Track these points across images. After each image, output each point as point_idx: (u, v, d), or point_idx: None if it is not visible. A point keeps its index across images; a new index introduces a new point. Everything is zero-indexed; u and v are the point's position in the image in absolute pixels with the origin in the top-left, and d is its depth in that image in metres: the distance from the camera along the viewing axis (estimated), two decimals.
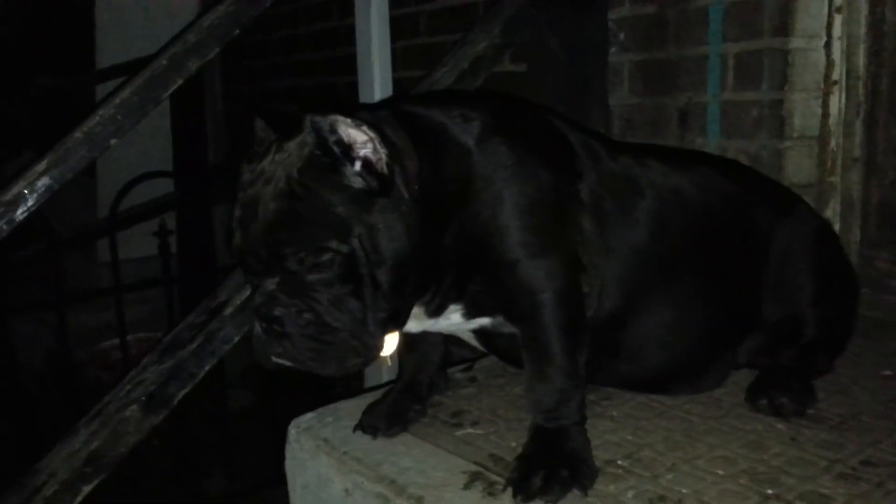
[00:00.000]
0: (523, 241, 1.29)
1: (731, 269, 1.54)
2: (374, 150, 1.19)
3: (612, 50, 2.44)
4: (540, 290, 1.29)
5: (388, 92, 3.19)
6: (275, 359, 1.23)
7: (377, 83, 3.22)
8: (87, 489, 1.68)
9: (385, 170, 1.19)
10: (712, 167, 1.62)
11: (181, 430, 3.24)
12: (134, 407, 1.72)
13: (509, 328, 1.37)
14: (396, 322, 1.27)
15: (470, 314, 1.37)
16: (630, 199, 1.44)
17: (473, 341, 1.51)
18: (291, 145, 1.22)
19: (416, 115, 1.34)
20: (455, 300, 1.34)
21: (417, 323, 1.37)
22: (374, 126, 1.20)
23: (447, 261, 1.29)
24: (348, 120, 1.17)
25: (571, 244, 1.35)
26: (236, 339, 1.82)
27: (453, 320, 1.38)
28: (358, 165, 1.18)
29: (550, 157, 1.39)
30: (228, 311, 1.83)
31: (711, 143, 2.25)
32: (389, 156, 1.20)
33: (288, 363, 1.23)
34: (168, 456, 3.37)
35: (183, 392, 1.77)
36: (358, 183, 1.18)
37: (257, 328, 1.23)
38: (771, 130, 2.12)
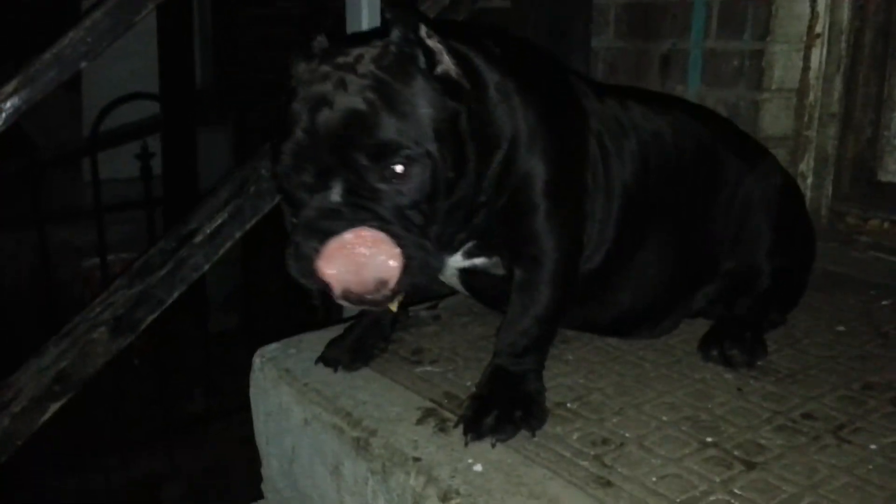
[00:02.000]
0: (550, 186, 1.29)
1: (699, 215, 1.56)
2: (451, 62, 1.16)
3: None
4: (552, 236, 1.30)
5: (376, 14, 3.15)
6: (327, 279, 1.09)
7: (365, 9, 3.18)
8: (54, 406, 1.72)
9: (461, 81, 1.16)
10: (688, 113, 1.62)
11: (163, 351, 3.30)
12: (102, 329, 1.75)
13: (500, 270, 1.38)
14: (448, 248, 1.24)
15: (472, 253, 1.38)
16: (619, 138, 1.45)
17: (453, 279, 1.51)
18: (367, 47, 1.15)
19: (473, 44, 1.29)
20: (472, 238, 1.34)
21: None
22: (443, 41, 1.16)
23: (485, 201, 1.28)
24: (428, 27, 1.14)
25: (585, 190, 1.37)
26: (206, 266, 1.84)
27: (453, 258, 1.38)
28: (440, 70, 1.15)
29: (571, 97, 1.40)
30: (199, 238, 1.84)
31: (691, 90, 2.25)
32: (459, 71, 1.17)
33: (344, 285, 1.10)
34: (150, 376, 3.43)
35: (151, 317, 1.80)
36: (439, 89, 1.14)
37: (304, 246, 1.10)
38: (750, 81, 2.12)
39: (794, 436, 1.25)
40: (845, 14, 2.10)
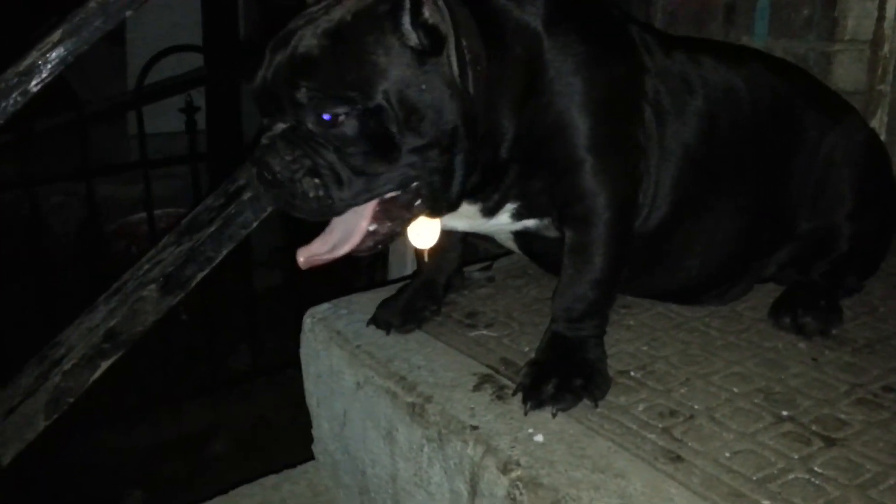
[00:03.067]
0: (594, 138, 1.22)
1: (775, 173, 1.46)
2: (436, 10, 1.11)
3: None
4: (600, 194, 1.23)
5: None
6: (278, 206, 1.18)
7: None
8: (105, 364, 1.71)
9: (442, 30, 1.12)
10: (766, 66, 1.52)
11: (209, 307, 3.29)
12: (151, 287, 1.72)
13: (553, 232, 1.32)
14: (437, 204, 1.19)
15: (521, 215, 1.32)
16: (683, 96, 1.36)
17: (510, 243, 1.46)
18: None
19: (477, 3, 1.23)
20: (514, 199, 1.29)
21: (468, 222, 1.33)
22: None
23: (513, 156, 1.23)
24: None
25: (637, 147, 1.29)
26: (254, 224, 1.80)
27: (501, 220, 1.33)
28: (418, 19, 1.10)
29: (618, 46, 1.31)
30: (247, 195, 1.80)
31: (758, 41, 2.13)
32: (449, 25, 1.13)
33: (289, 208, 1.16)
34: (196, 331, 3.44)
35: (201, 274, 1.77)
36: (412, 38, 1.10)
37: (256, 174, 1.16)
38: (821, 31, 2.00)
39: (875, 410, 1.18)
40: None
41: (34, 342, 1.80)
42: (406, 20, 1.11)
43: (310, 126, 1.11)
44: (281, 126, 1.13)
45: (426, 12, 1.11)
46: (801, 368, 1.29)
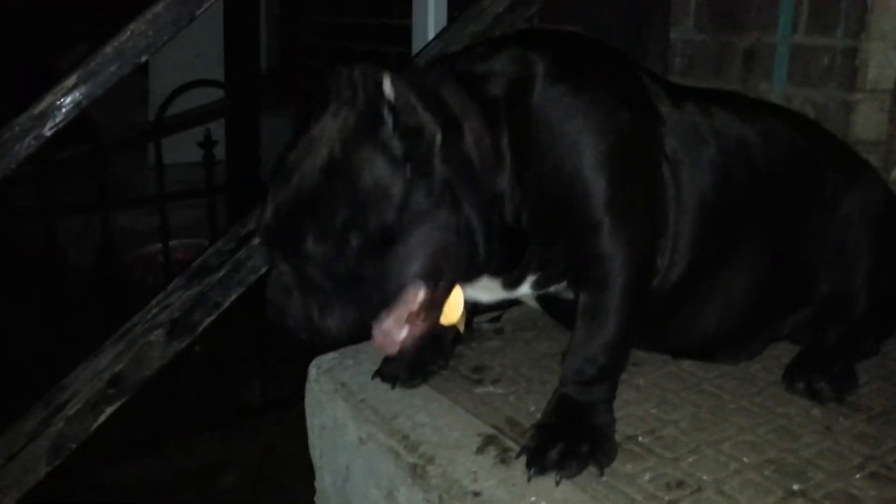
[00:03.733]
0: (607, 197, 1.19)
1: (792, 230, 1.43)
2: (418, 112, 1.10)
3: None
4: (617, 256, 1.20)
5: (443, 7, 3.07)
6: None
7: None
8: (109, 410, 1.70)
9: (427, 136, 1.10)
10: (782, 120, 1.49)
11: (221, 340, 3.29)
12: (159, 331, 1.71)
13: (570, 294, 1.30)
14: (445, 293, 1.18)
15: (541, 284, 1.30)
16: (697, 147, 1.33)
17: (532, 302, 1.45)
18: (341, 110, 1.12)
19: (472, 71, 1.23)
20: (534, 271, 1.27)
21: (489, 294, 1.31)
22: (420, 88, 1.11)
23: (526, 224, 1.21)
24: (396, 76, 1.08)
25: (656, 200, 1.26)
26: (263, 269, 1.79)
27: (523, 290, 1.31)
28: (401, 126, 1.09)
29: (626, 96, 1.28)
30: (257, 239, 1.79)
31: (777, 88, 2.11)
32: (435, 122, 1.11)
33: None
34: (208, 364, 3.44)
35: (209, 319, 1.76)
36: (398, 149, 1.08)
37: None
38: (842, 80, 1.97)
39: (889, 485, 1.14)
40: None
41: (49, 373, 1.80)
42: (388, 131, 1.09)
43: (316, 266, 1.10)
44: (288, 268, 1.13)
45: (408, 120, 1.09)
46: (813, 437, 1.26)
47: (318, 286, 1.11)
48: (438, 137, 1.11)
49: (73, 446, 1.65)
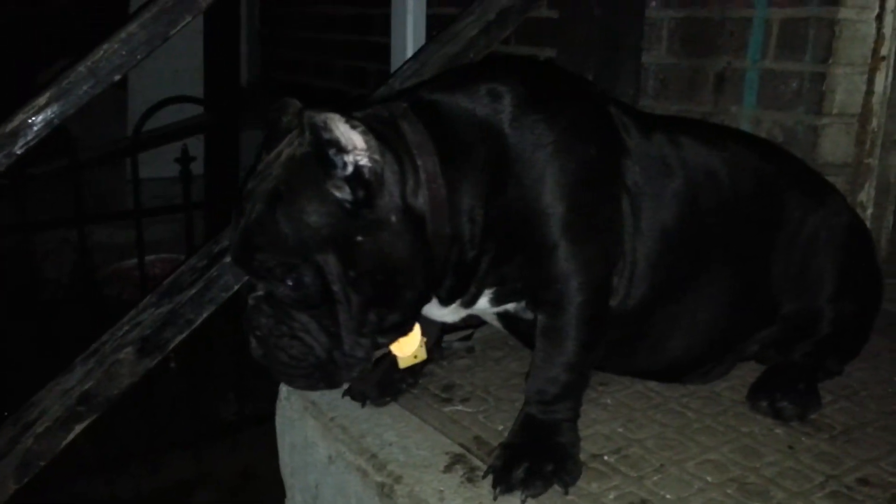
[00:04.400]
0: (566, 224, 1.22)
1: (757, 254, 1.46)
2: (368, 156, 1.13)
3: (652, 4, 2.32)
4: (572, 278, 1.23)
5: (422, 27, 3.09)
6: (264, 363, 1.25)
7: (410, 17, 3.13)
8: (79, 427, 1.69)
9: (374, 179, 1.13)
10: (748, 148, 1.53)
11: (196, 355, 3.28)
12: (129, 349, 1.71)
13: (530, 314, 1.32)
14: (396, 332, 1.26)
15: (499, 300, 1.32)
16: (662, 179, 1.36)
17: (496, 322, 1.46)
18: (290, 146, 1.19)
19: (437, 104, 1.25)
20: (490, 285, 1.29)
21: (452, 312, 1.34)
22: (371, 128, 1.14)
23: (484, 249, 1.24)
24: (344, 119, 1.11)
25: (612, 230, 1.29)
26: (236, 287, 1.79)
27: (481, 306, 1.34)
28: (349, 170, 1.12)
29: (592, 130, 1.31)
30: (229, 257, 1.79)
31: (747, 112, 2.15)
32: (390, 159, 1.15)
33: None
34: (183, 381, 3.42)
35: (179, 337, 1.76)
36: (345, 192, 1.13)
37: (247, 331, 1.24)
38: (810, 105, 2.01)
39: None
40: None
41: (26, 388, 1.79)
42: (337, 174, 1.12)
43: (276, 292, 1.18)
44: (260, 291, 1.21)
45: (358, 160, 1.12)
46: (776, 457, 1.28)
47: (280, 313, 1.19)
48: (393, 177, 1.15)
49: (42, 464, 1.64)
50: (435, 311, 1.32)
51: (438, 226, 1.18)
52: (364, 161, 1.12)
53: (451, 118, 1.23)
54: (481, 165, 1.21)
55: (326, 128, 1.10)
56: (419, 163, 1.17)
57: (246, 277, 1.79)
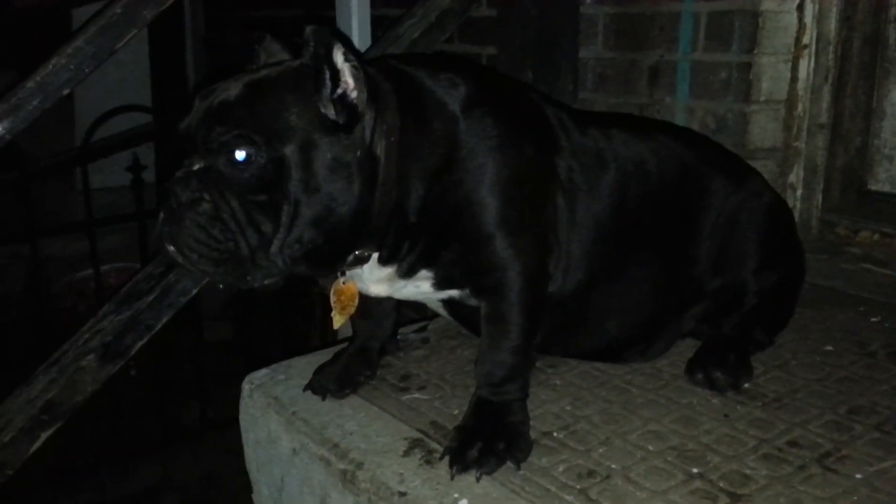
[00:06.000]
0: (501, 216, 1.29)
1: (684, 236, 1.56)
2: (356, 87, 1.20)
3: (588, 1, 2.40)
4: (510, 267, 1.30)
5: (367, 29, 3.14)
6: (165, 244, 1.19)
7: (355, 19, 3.18)
8: (44, 436, 1.72)
9: (359, 108, 1.20)
10: (673, 138, 1.62)
11: (159, 362, 3.29)
12: (91, 357, 1.74)
13: (474, 301, 1.39)
14: (317, 265, 1.26)
15: (440, 285, 1.37)
16: (597, 172, 1.45)
17: (442, 310, 1.53)
18: (288, 60, 1.25)
19: (404, 73, 1.32)
20: (426, 266, 1.34)
21: (388, 286, 1.38)
22: (363, 69, 1.21)
23: (423, 223, 1.29)
24: (344, 51, 1.19)
25: (546, 222, 1.37)
26: (194, 291, 1.83)
27: (423, 289, 1.39)
28: (337, 93, 1.19)
29: (532, 129, 1.40)
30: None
31: (680, 102, 2.24)
32: (368, 101, 1.21)
33: (174, 253, 1.19)
34: (146, 387, 3.42)
35: (140, 343, 1.80)
36: (329, 109, 1.19)
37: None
38: (738, 93, 2.11)
39: (779, 465, 1.25)
40: (833, 24, 2.09)
41: None
42: (326, 92, 1.19)
43: (220, 168, 1.16)
44: (196, 165, 1.19)
45: (347, 90, 1.20)
46: (712, 424, 1.36)
47: (214, 190, 1.17)
48: (369, 117, 1.22)
49: (10, 473, 1.67)
50: (374, 272, 1.34)
51: (388, 177, 1.23)
52: (352, 92, 1.19)
53: (414, 90, 1.30)
54: (434, 139, 1.28)
55: (330, 49, 1.18)
56: (388, 118, 1.24)
57: (206, 280, 1.84)
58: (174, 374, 3.60)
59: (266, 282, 1.23)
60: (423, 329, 1.79)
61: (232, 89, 1.19)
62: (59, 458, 2.78)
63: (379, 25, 3.01)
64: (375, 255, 1.31)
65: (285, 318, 3.48)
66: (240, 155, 1.15)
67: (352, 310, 1.41)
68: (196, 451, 3.38)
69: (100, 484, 3.07)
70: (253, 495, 1.67)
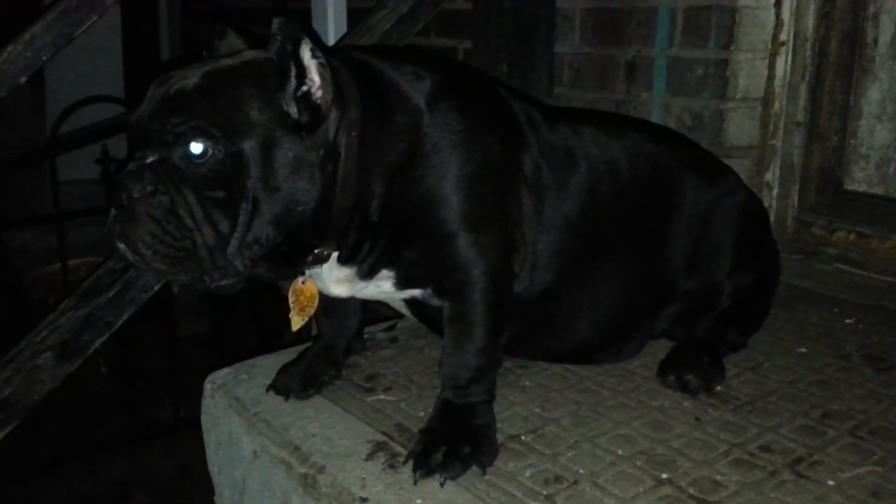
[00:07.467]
0: (464, 214, 1.25)
1: (656, 236, 1.52)
2: (322, 86, 1.15)
3: None
4: (473, 266, 1.26)
5: (343, 20, 3.09)
6: (116, 241, 1.12)
7: (330, 11, 3.13)
8: (0, 435, 1.67)
9: (323, 108, 1.15)
10: (645, 135, 1.58)
11: (131, 356, 3.24)
12: (47, 354, 1.69)
13: (437, 301, 1.35)
14: (276, 267, 1.20)
15: (402, 284, 1.33)
16: (566, 170, 1.41)
17: (405, 310, 1.48)
18: (252, 52, 1.19)
19: (368, 65, 1.28)
20: (388, 265, 1.30)
21: (349, 286, 1.34)
22: (329, 64, 1.17)
23: (384, 221, 1.25)
24: (311, 46, 1.14)
25: (510, 221, 1.32)
26: (156, 287, 1.78)
27: (384, 288, 1.35)
28: (301, 91, 1.14)
29: (497, 125, 1.35)
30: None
31: (656, 98, 2.22)
32: (333, 99, 1.17)
33: (125, 251, 1.12)
34: (118, 381, 3.37)
35: (99, 340, 1.75)
36: (291, 107, 1.14)
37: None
38: (714, 90, 2.09)
39: (750, 471, 1.22)
40: (810, 22, 2.07)
41: None
42: (290, 89, 1.14)
43: (175, 161, 1.11)
44: (150, 158, 1.12)
45: (312, 88, 1.15)
46: (683, 428, 1.33)
47: (169, 183, 1.11)
48: (334, 116, 1.17)
49: None
50: (334, 272, 1.30)
51: (348, 173, 1.19)
52: (317, 91, 1.14)
53: (377, 82, 1.25)
54: (396, 133, 1.23)
55: (298, 44, 1.13)
56: (352, 115, 1.19)
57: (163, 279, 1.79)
58: (148, 369, 3.55)
59: (223, 283, 1.18)
60: (391, 328, 1.75)
61: (189, 78, 1.13)
62: (30, 453, 2.73)
63: (355, 18, 2.97)
64: (335, 255, 1.27)
65: (262, 313, 3.44)
66: (196, 148, 1.09)
67: (311, 311, 1.37)
68: (168, 446, 3.34)
69: (70, 478, 3.01)
70: (215, 497, 1.63)
